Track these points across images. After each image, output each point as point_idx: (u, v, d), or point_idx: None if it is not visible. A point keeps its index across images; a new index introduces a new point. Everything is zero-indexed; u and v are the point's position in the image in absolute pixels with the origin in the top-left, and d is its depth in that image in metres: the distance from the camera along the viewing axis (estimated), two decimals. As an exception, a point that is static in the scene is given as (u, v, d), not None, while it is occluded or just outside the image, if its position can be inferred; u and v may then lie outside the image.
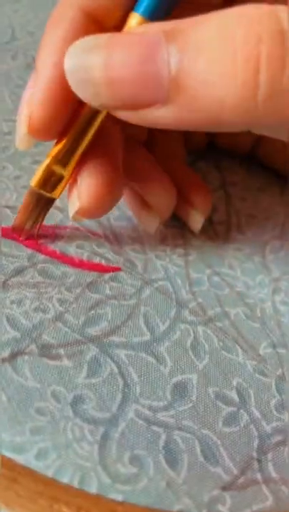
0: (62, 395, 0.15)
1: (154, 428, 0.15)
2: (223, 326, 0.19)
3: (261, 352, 0.18)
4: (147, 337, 0.17)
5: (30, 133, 0.16)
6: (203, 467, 0.15)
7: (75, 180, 0.18)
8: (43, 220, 0.19)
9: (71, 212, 0.18)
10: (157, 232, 0.21)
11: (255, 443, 0.16)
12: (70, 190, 0.18)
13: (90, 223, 0.21)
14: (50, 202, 0.18)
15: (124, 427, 0.15)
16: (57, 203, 0.21)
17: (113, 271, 0.19)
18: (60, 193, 0.18)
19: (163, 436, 0.15)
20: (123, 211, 0.22)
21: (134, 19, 0.15)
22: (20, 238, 0.19)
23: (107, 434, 0.15)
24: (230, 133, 0.23)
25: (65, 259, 0.19)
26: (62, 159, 0.17)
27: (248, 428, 0.16)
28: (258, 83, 0.12)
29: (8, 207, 0.20)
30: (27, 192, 0.18)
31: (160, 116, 0.14)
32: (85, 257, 0.19)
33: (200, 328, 0.18)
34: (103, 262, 0.19)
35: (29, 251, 0.19)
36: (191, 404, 0.16)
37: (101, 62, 0.14)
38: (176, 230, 0.22)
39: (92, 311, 0.18)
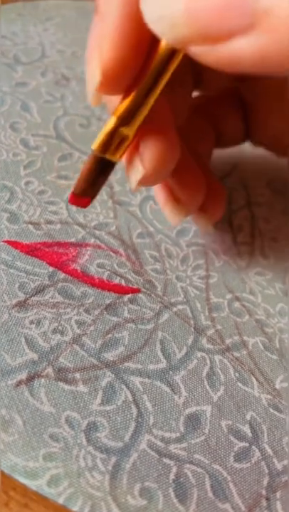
0: (76, 422, 0.15)
1: (166, 460, 0.15)
2: (241, 356, 0.19)
3: (277, 386, 0.18)
4: (163, 364, 0.17)
5: (104, 82, 0.15)
6: (212, 503, 0.15)
7: (135, 147, 0.17)
8: (103, 184, 0.17)
9: (133, 181, 0.17)
10: (179, 251, 0.21)
11: (265, 480, 0.16)
12: (129, 158, 0.17)
13: (112, 241, 0.21)
14: (111, 165, 0.17)
15: (136, 457, 0.15)
16: (80, 219, 0.21)
17: (132, 292, 0.19)
18: (122, 156, 0.17)
19: (174, 469, 0.15)
20: (146, 227, 0.22)
21: None
22: (39, 253, 0.19)
23: (119, 465, 0.15)
24: (267, 128, 0.22)
25: (85, 278, 0.19)
26: (128, 118, 0.15)
27: (259, 465, 0.16)
28: None
29: (31, 223, 0.20)
30: (89, 157, 0.17)
31: (241, 48, 0.12)
32: (105, 276, 0.19)
33: (217, 358, 0.18)
34: (123, 282, 0.19)
35: (51, 269, 0.19)
36: (203, 437, 0.16)
37: None
38: (197, 248, 0.22)
39: (110, 335, 0.18)
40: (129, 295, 0.19)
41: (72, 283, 0.19)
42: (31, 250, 0.19)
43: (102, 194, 0.22)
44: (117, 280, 0.19)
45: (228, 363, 0.18)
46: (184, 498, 0.15)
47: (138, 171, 0.17)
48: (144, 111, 0.15)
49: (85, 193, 0.17)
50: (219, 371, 0.18)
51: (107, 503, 0.14)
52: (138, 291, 0.19)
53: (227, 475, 0.16)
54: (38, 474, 0.14)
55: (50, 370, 0.16)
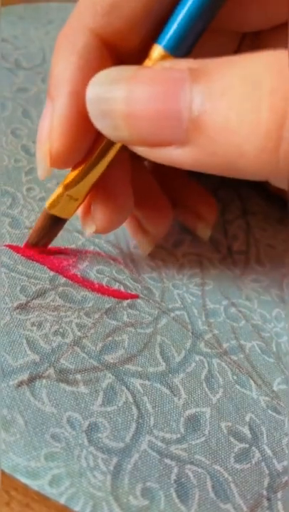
0: (77, 422, 0.15)
1: (167, 461, 0.15)
2: (238, 360, 0.19)
3: (275, 388, 0.18)
4: (162, 367, 0.18)
5: (52, 166, 0.16)
6: (213, 504, 0.15)
7: (88, 207, 0.19)
8: (54, 237, 0.19)
9: (88, 232, 0.19)
10: (174, 260, 0.22)
11: (266, 481, 0.16)
12: (84, 215, 0.19)
13: (111, 249, 0.21)
14: (62, 222, 0.19)
15: (137, 458, 0.15)
16: (79, 227, 0.21)
17: (131, 298, 0.20)
18: (72, 214, 0.18)
19: (175, 470, 0.15)
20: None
21: (156, 51, 0.15)
22: (40, 258, 0.19)
23: (120, 465, 0.15)
24: None
25: (85, 283, 0.19)
26: (73, 185, 0.17)
27: (259, 465, 0.16)
28: (281, 136, 0.12)
29: (32, 228, 0.20)
30: (42, 214, 0.19)
31: (177, 156, 0.13)
32: (104, 282, 0.20)
33: (215, 361, 0.19)
34: (122, 288, 0.20)
35: (51, 273, 0.19)
36: (203, 439, 0.16)
37: (123, 95, 0.13)
38: (193, 257, 0.23)
39: (110, 338, 0.18)
40: (128, 300, 0.19)
41: (73, 287, 0.19)
42: (32, 255, 0.19)
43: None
44: (116, 286, 0.20)
45: (226, 366, 0.18)
46: (186, 498, 0.15)
47: (91, 227, 0.19)
48: (90, 180, 0.17)
49: (38, 243, 0.19)
50: (217, 374, 0.18)
51: (108, 503, 0.14)
52: (136, 296, 0.20)
53: (228, 475, 0.16)
54: (40, 474, 0.14)
55: (51, 371, 0.16)
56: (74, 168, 0.17)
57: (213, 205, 0.22)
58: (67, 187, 0.17)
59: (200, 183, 0.23)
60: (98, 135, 0.16)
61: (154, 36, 0.15)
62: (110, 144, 0.16)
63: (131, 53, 0.16)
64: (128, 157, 0.19)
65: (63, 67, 0.16)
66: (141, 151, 0.14)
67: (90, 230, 0.19)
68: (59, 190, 0.18)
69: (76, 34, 0.16)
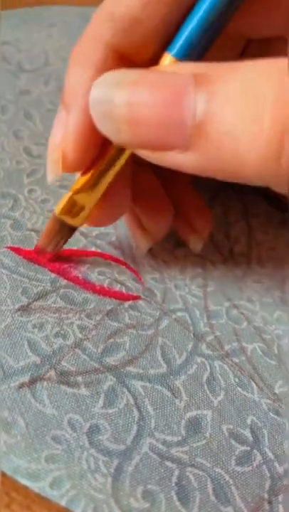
0: (78, 424, 0.15)
1: (168, 463, 0.15)
2: (240, 362, 0.19)
3: (277, 390, 0.18)
4: (164, 369, 0.18)
5: (64, 171, 0.17)
6: (214, 507, 0.15)
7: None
8: (63, 245, 0.19)
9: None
10: (176, 260, 0.22)
11: (267, 484, 0.16)
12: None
13: (113, 250, 0.21)
14: (72, 230, 0.19)
15: (138, 460, 0.15)
16: (81, 229, 0.21)
17: (133, 299, 0.20)
18: (82, 223, 0.18)
19: (176, 473, 0.15)
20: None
21: (167, 59, 0.15)
22: (41, 260, 0.19)
23: (121, 467, 0.15)
24: None
25: (86, 285, 0.19)
26: (86, 191, 0.17)
27: (260, 468, 0.16)
28: (283, 145, 0.12)
29: (34, 230, 0.20)
30: (51, 217, 0.18)
31: (179, 161, 0.14)
32: (106, 284, 0.20)
33: (216, 363, 0.18)
34: (123, 289, 0.20)
35: (52, 275, 0.19)
36: (204, 441, 0.16)
37: (125, 99, 0.13)
38: (195, 258, 0.23)
39: (111, 340, 0.18)
40: (130, 302, 0.19)
41: (74, 289, 0.19)
42: (34, 257, 0.19)
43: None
44: (117, 287, 0.20)
45: (227, 369, 0.18)
46: (187, 501, 0.15)
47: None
48: (102, 187, 0.17)
49: (47, 248, 0.19)
50: (219, 376, 0.18)
51: (109, 506, 0.14)
52: (138, 298, 0.20)
53: (229, 478, 0.16)
54: (41, 476, 0.14)
55: (52, 373, 0.16)
56: (83, 173, 0.17)
57: (208, 221, 0.22)
58: (77, 192, 0.17)
59: (202, 187, 0.23)
60: (109, 142, 0.16)
61: (166, 46, 0.15)
62: (121, 151, 0.16)
63: (144, 64, 0.16)
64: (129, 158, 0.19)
65: (80, 76, 0.16)
66: (144, 154, 0.14)
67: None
68: (68, 195, 0.18)
69: (93, 46, 0.16)
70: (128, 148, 0.15)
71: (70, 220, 0.18)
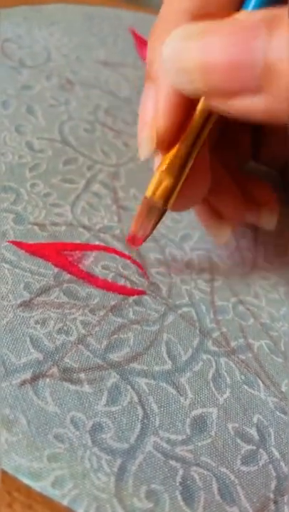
0: (81, 422, 0.15)
1: (172, 462, 0.15)
2: (246, 359, 0.18)
3: (283, 389, 0.18)
4: (169, 366, 0.17)
5: (158, 147, 0.17)
6: (219, 506, 0.15)
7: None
8: (153, 229, 0.19)
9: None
10: (183, 255, 0.21)
11: (273, 484, 0.16)
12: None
13: (116, 243, 0.21)
14: (162, 212, 0.18)
15: (141, 459, 0.15)
16: (85, 222, 0.21)
17: (137, 294, 0.19)
18: (170, 204, 0.18)
19: (180, 472, 0.15)
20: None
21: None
22: (45, 253, 0.19)
23: (125, 466, 0.15)
24: (270, 150, 0.24)
25: (90, 280, 0.19)
26: (174, 170, 0.17)
27: (266, 468, 0.16)
28: None
29: (36, 224, 0.20)
30: (142, 201, 0.18)
31: (251, 105, 0.14)
32: (110, 278, 0.19)
33: (222, 360, 0.18)
34: (128, 284, 0.19)
35: (56, 270, 0.19)
36: (210, 440, 0.16)
37: (197, 47, 0.14)
38: (201, 252, 0.22)
39: (115, 336, 0.18)
40: (134, 297, 0.19)
41: (78, 284, 0.19)
42: (36, 250, 0.19)
43: (107, 199, 0.22)
44: (122, 282, 0.19)
45: (233, 366, 0.18)
46: (191, 501, 0.15)
47: None
48: (189, 163, 0.17)
49: (138, 232, 0.19)
50: (225, 373, 0.18)
51: (112, 506, 0.14)
52: (143, 292, 0.19)
53: (234, 478, 0.15)
54: (43, 475, 0.14)
55: (55, 369, 0.16)
56: (168, 152, 0.17)
57: (273, 193, 0.22)
58: (166, 170, 0.17)
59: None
60: (191, 114, 0.17)
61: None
62: (204, 120, 0.17)
63: None
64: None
65: None
66: (217, 103, 0.14)
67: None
68: (158, 176, 0.17)
69: (174, 18, 0.17)
70: (202, 97, 0.15)
71: (159, 203, 0.18)
